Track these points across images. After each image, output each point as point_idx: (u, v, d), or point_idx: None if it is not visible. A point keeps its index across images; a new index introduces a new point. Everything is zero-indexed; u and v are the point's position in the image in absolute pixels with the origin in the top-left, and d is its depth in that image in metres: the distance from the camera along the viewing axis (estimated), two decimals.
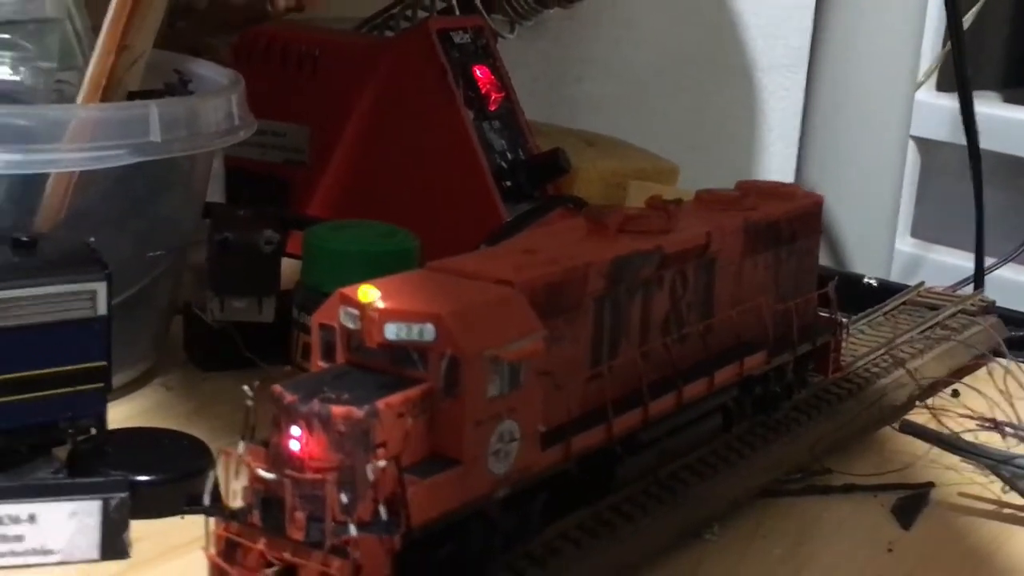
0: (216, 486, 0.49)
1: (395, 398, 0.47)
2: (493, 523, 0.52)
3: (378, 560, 0.46)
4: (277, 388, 0.48)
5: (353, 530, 0.45)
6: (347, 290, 0.50)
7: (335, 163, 0.99)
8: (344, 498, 0.46)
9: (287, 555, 0.46)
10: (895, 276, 1.93)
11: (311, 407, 0.46)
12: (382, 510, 0.46)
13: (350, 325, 0.50)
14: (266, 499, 0.47)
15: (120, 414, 0.70)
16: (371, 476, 0.46)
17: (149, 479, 0.60)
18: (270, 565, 0.47)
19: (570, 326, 0.55)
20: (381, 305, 0.49)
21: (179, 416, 0.70)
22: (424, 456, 0.48)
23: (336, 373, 0.50)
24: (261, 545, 0.47)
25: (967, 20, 1.60)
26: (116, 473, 0.58)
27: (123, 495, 0.56)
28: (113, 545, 0.56)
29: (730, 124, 1.61)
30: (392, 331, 0.48)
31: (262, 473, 0.47)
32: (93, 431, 0.61)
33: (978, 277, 1.07)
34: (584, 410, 0.56)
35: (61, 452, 0.61)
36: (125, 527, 0.56)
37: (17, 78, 0.65)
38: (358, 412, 0.46)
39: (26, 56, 0.65)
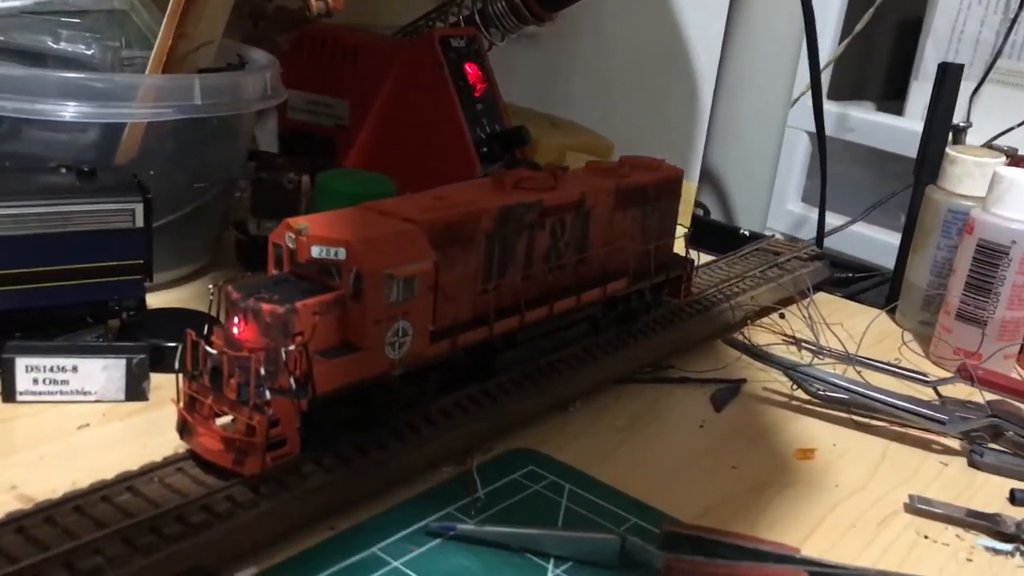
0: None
1: (311, 300, 0.44)
2: (392, 393, 0.49)
3: (289, 416, 0.43)
4: (228, 287, 0.45)
5: (268, 394, 0.43)
6: (290, 219, 0.47)
7: (366, 127, 0.95)
8: (264, 371, 0.43)
9: (226, 408, 0.44)
10: (788, 229, 1.87)
11: (248, 303, 0.43)
12: (293, 381, 0.43)
13: (291, 245, 0.46)
14: (214, 368, 0.44)
15: (175, 296, 0.68)
16: (285, 356, 0.43)
17: (172, 345, 0.57)
18: (218, 416, 0.45)
19: (463, 255, 0.51)
20: (309, 232, 0.45)
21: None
22: (335, 343, 0.45)
23: (277, 279, 0.46)
24: (210, 400, 0.44)
25: (838, 50, 1.52)
26: (148, 340, 0.56)
27: (143, 356, 0.53)
28: (135, 391, 0.54)
29: (666, 116, 1.56)
30: (316, 251, 0.45)
31: (209, 349, 0.44)
32: (134, 310, 0.58)
33: (819, 235, 1.01)
34: (474, 315, 0.52)
35: (114, 323, 0.58)
36: (145, 378, 0.54)
37: (88, 52, 0.61)
38: (280, 309, 0.43)
39: (96, 37, 0.61)
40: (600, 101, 1.49)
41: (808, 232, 1.82)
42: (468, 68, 0.94)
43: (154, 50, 0.62)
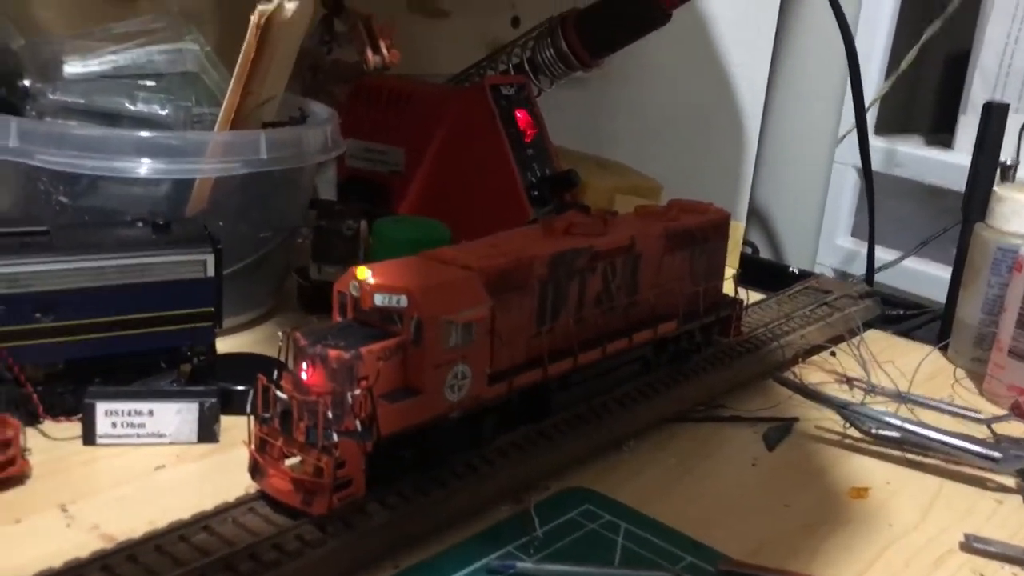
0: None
1: (375, 346, 0.46)
2: (451, 434, 0.50)
3: (355, 457, 0.45)
4: (296, 334, 0.47)
5: (336, 436, 0.44)
6: (354, 268, 0.49)
7: (420, 174, 0.97)
8: (331, 414, 0.45)
9: (295, 451, 0.46)
10: (839, 265, 1.86)
11: (316, 349, 0.45)
12: (358, 423, 0.45)
13: (354, 293, 0.48)
14: (284, 411, 0.46)
15: (241, 341, 0.70)
16: (351, 400, 0.44)
17: (241, 388, 0.59)
18: (287, 457, 0.46)
19: (518, 300, 0.53)
20: (372, 281, 0.47)
21: None
22: (398, 386, 0.47)
23: (342, 326, 0.48)
24: (280, 443, 0.46)
25: (885, 86, 1.52)
26: (217, 384, 0.58)
27: (213, 400, 0.56)
28: (207, 433, 0.56)
29: (712, 154, 1.57)
30: (379, 299, 0.47)
31: (279, 393, 0.46)
32: (204, 355, 0.60)
33: (869, 273, 1.01)
34: (528, 358, 0.54)
35: (186, 368, 0.61)
36: (216, 421, 0.56)
37: (163, 112, 0.64)
38: (346, 355, 0.45)
39: (169, 98, 0.64)
40: (647, 142, 1.51)
41: (859, 266, 1.81)
42: (518, 114, 0.96)
43: (223, 108, 0.65)
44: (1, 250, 0.52)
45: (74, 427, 0.55)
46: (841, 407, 0.63)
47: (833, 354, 0.78)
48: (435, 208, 0.92)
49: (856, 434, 0.64)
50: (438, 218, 0.83)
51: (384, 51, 0.87)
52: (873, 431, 0.63)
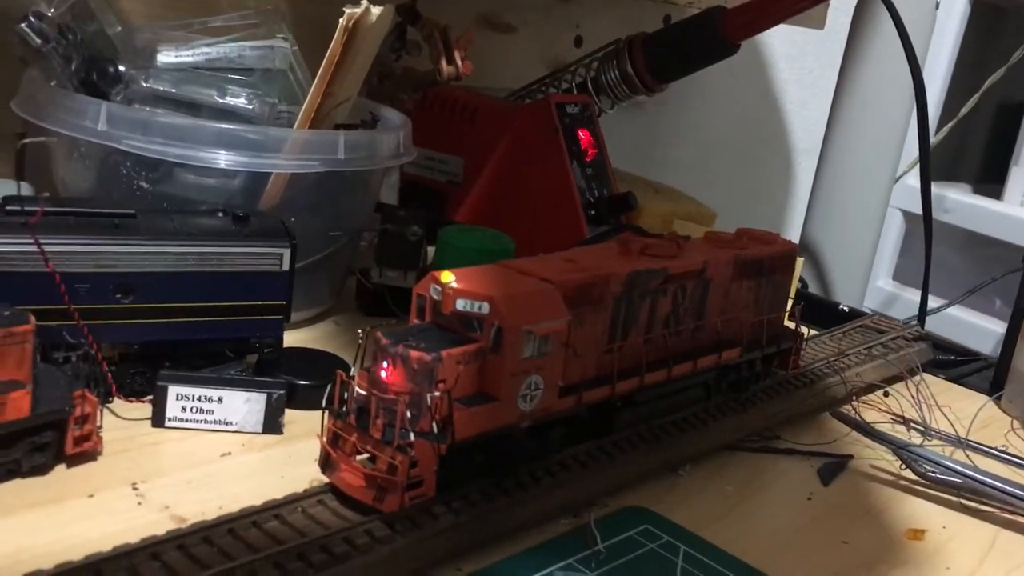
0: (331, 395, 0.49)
1: (455, 350, 0.46)
2: (519, 444, 0.51)
3: (428, 458, 0.46)
4: (378, 333, 0.47)
5: (412, 436, 0.45)
6: (436, 272, 0.49)
7: (479, 185, 0.98)
8: (409, 414, 0.45)
9: (369, 447, 0.46)
10: (878, 307, 1.85)
11: (397, 349, 0.46)
12: (435, 425, 0.45)
13: (435, 297, 0.49)
14: (361, 407, 0.47)
15: (301, 336, 0.71)
16: (429, 402, 0.45)
17: (305, 383, 0.60)
18: (359, 453, 0.47)
19: (592, 315, 0.53)
20: (455, 285, 0.48)
21: (340, 344, 0.70)
22: (474, 392, 0.48)
23: (422, 328, 0.49)
24: (354, 438, 0.47)
25: (943, 132, 1.52)
26: (282, 377, 0.59)
27: (281, 392, 0.56)
28: (272, 424, 0.56)
29: (766, 186, 1.57)
30: (461, 304, 0.48)
31: (358, 390, 0.46)
32: (271, 347, 0.61)
33: (921, 315, 1.01)
34: (597, 374, 0.54)
35: (252, 359, 0.62)
36: (281, 413, 0.57)
37: (250, 107, 0.66)
38: (427, 357, 0.45)
39: (256, 93, 0.65)
40: (701, 169, 1.51)
41: (899, 310, 1.80)
42: (581, 134, 0.97)
43: (304, 107, 0.67)
44: (92, 230, 0.53)
45: (143, 408, 0.56)
46: (900, 448, 0.62)
47: (886, 394, 0.78)
48: (491, 219, 0.93)
49: (911, 476, 0.64)
50: (492, 229, 0.83)
51: (458, 62, 0.88)
52: (930, 474, 0.63)
